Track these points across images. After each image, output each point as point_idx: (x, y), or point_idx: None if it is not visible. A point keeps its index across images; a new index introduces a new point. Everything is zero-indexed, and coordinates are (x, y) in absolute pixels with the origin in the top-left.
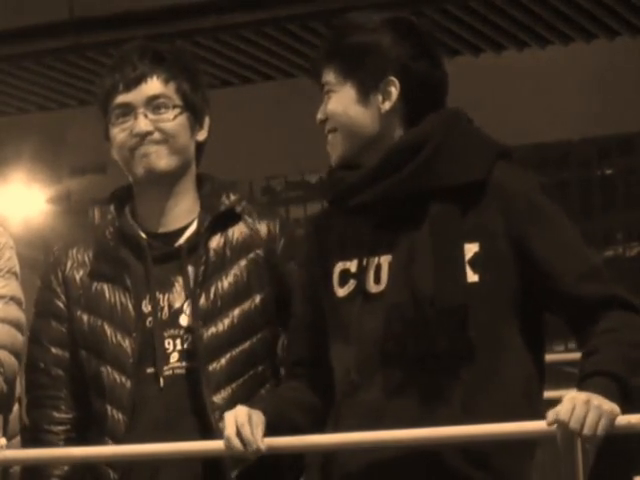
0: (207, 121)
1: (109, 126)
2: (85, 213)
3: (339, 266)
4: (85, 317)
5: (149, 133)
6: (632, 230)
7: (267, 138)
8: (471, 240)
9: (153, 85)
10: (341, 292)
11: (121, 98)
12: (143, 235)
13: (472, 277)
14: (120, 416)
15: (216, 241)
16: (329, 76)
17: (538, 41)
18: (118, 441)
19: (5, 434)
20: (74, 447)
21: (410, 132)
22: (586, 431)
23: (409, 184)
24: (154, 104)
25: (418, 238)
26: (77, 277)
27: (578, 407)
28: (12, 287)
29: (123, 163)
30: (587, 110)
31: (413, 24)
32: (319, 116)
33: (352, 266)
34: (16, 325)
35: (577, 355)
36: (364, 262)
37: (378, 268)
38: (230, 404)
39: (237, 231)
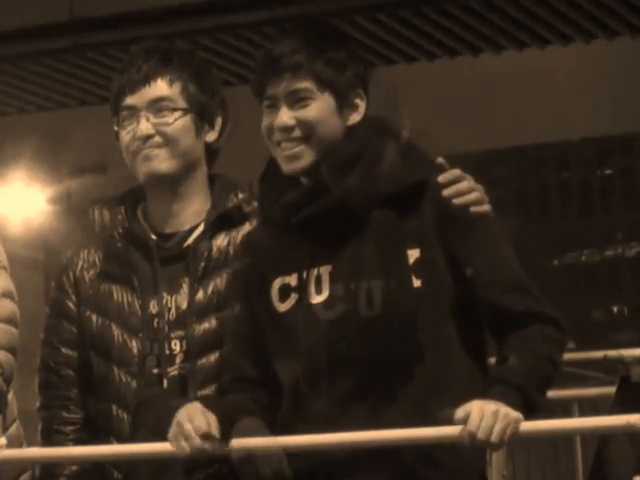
0: (219, 121)
1: (118, 128)
2: (85, 213)
3: (278, 282)
4: (94, 317)
5: (150, 136)
6: (632, 230)
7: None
8: (412, 246)
9: (157, 87)
10: (282, 307)
11: (127, 101)
12: (153, 236)
13: (416, 282)
14: (125, 416)
15: (221, 239)
16: (304, 83)
17: (538, 41)
18: (123, 441)
19: (4, 422)
20: (74, 447)
21: (345, 144)
22: (493, 439)
23: (347, 197)
24: (156, 107)
25: (361, 246)
26: (87, 278)
27: (486, 417)
28: (3, 282)
29: (129, 165)
30: (587, 110)
31: (350, 41)
32: (289, 121)
33: (292, 280)
34: (10, 320)
35: (575, 355)
36: (304, 275)
37: (318, 279)
38: None
39: (242, 232)
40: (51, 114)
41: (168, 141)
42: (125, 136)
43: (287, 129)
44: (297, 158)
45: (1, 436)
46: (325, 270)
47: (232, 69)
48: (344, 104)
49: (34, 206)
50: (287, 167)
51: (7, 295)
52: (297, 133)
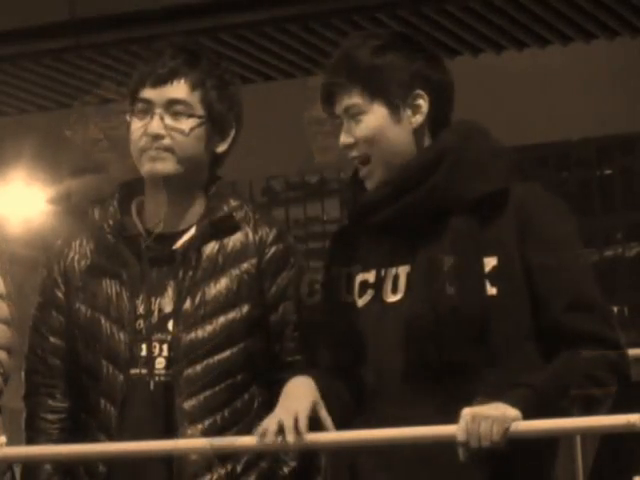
0: (232, 133)
1: (130, 118)
2: (85, 213)
3: (359, 277)
4: (83, 309)
5: (160, 137)
6: (632, 230)
7: (267, 138)
8: (490, 254)
9: (179, 88)
10: (360, 302)
11: (144, 93)
12: (143, 233)
13: (491, 290)
14: (112, 409)
15: (211, 247)
16: (354, 99)
17: (538, 41)
18: (109, 434)
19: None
20: (74, 445)
21: (427, 149)
22: (494, 439)
23: (428, 200)
24: (174, 109)
25: (439, 250)
26: (77, 268)
27: (484, 420)
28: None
29: (134, 158)
30: (587, 110)
31: (412, 37)
32: (348, 140)
33: (370, 277)
34: (7, 321)
35: None
36: (382, 272)
37: (396, 278)
38: (200, 412)
39: (234, 240)
40: (51, 114)
41: (177, 146)
42: (136, 130)
43: (348, 146)
44: (366, 176)
45: (1, 435)
46: (403, 270)
47: (232, 69)
48: (400, 108)
49: (34, 206)
50: (366, 184)
51: (5, 296)
52: (359, 152)
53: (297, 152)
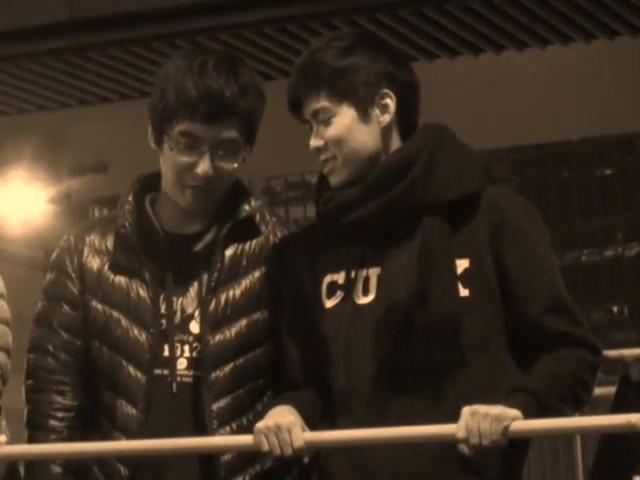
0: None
1: (165, 138)
2: (85, 213)
3: (327, 278)
4: (100, 307)
5: (209, 177)
6: (632, 230)
7: (267, 138)
8: (462, 256)
9: (231, 128)
10: (329, 303)
11: (193, 128)
12: (161, 233)
13: (463, 292)
14: (133, 411)
15: (233, 249)
16: (321, 102)
17: (538, 41)
18: (130, 436)
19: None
20: (74, 443)
21: (400, 150)
22: (484, 441)
23: (401, 202)
24: (224, 148)
25: (411, 252)
26: (94, 266)
27: (482, 421)
28: None
29: (169, 184)
30: (587, 110)
31: (377, 37)
32: (317, 143)
33: (340, 278)
34: (6, 322)
35: None
36: (352, 274)
37: (366, 280)
38: (228, 414)
39: (255, 241)
40: (51, 114)
41: (222, 182)
42: (178, 163)
43: (318, 149)
44: (330, 173)
45: (1, 434)
46: (374, 272)
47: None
48: (368, 108)
49: (34, 206)
50: (330, 181)
51: (1, 296)
52: (327, 153)
53: (297, 152)
